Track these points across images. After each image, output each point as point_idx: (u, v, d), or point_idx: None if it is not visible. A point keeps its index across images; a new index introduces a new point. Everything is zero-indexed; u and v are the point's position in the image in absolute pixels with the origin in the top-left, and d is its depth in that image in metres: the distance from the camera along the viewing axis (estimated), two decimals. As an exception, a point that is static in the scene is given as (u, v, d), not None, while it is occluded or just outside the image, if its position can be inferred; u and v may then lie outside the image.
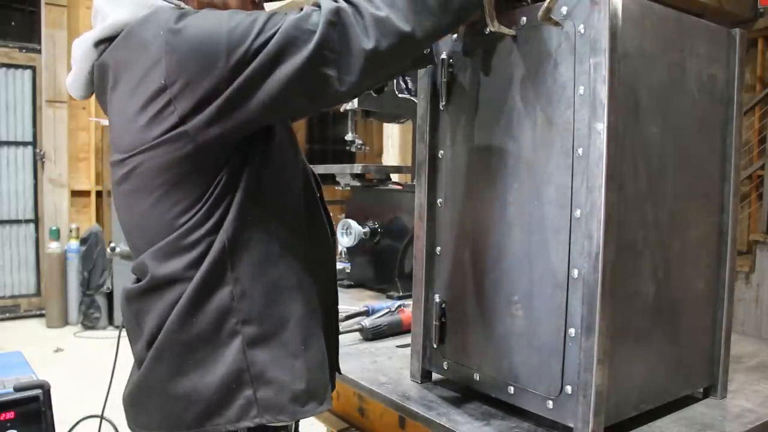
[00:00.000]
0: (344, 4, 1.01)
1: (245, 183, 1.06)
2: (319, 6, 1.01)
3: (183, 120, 0.98)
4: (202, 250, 1.04)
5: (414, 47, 1.09)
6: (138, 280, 1.11)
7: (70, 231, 5.88)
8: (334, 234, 1.32)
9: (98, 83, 1.13)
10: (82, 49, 1.11)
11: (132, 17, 1.06)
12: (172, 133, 0.99)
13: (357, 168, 2.41)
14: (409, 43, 1.04)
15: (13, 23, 6.03)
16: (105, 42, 1.09)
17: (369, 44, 0.99)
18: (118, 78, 1.06)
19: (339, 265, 2.55)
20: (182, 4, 1.10)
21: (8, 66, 5.98)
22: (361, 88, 1.11)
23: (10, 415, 1.62)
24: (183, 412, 1.04)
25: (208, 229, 1.04)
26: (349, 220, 2.32)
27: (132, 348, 1.13)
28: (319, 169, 2.54)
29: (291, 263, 1.12)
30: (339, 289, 2.39)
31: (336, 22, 0.99)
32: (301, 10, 1.02)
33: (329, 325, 1.24)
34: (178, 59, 0.97)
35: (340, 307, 2.02)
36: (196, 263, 1.04)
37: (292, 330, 1.09)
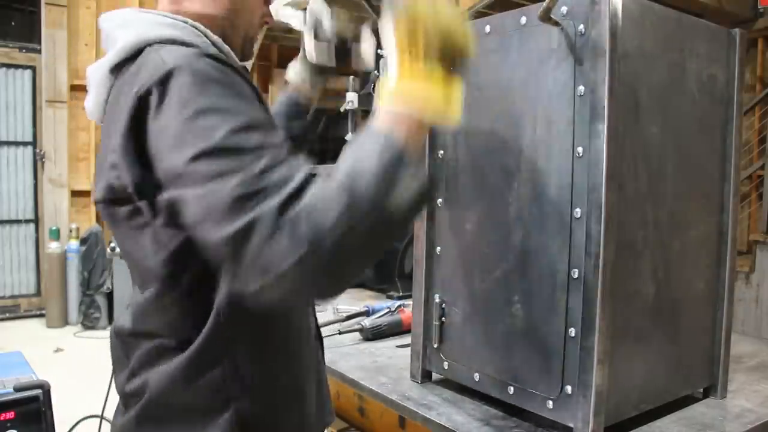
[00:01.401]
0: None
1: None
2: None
3: (131, 194, 0.93)
4: (187, 309, 0.98)
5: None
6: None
7: (70, 231, 5.87)
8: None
9: None
10: (99, 75, 1.05)
11: (140, 38, 0.99)
12: (124, 203, 0.95)
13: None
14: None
15: (13, 23, 6.03)
16: (120, 66, 1.03)
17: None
18: (109, 109, 1.03)
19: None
20: (189, 23, 1.03)
21: (8, 66, 5.98)
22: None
23: (10, 415, 1.62)
24: None
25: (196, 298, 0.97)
26: (349, 220, 2.31)
27: (115, 377, 1.09)
28: (319, 169, 2.53)
29: (281, 344, 1.06)
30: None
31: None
32: None
33: (320, 378, 1.18)
34: (122, 143, 0.91)
35: (340, 307, 2.03)
36: (185, 324, 0.99)
37: (282, 407, 1.06)
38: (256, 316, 0.97)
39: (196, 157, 0.83)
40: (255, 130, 0.86)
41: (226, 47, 1.07)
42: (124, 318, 1.07)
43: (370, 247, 0.86)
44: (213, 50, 0.99)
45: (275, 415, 1.05)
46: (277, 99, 1.45)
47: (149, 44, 0.98)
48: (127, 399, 1.05)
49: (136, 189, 0.92)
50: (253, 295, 0.81)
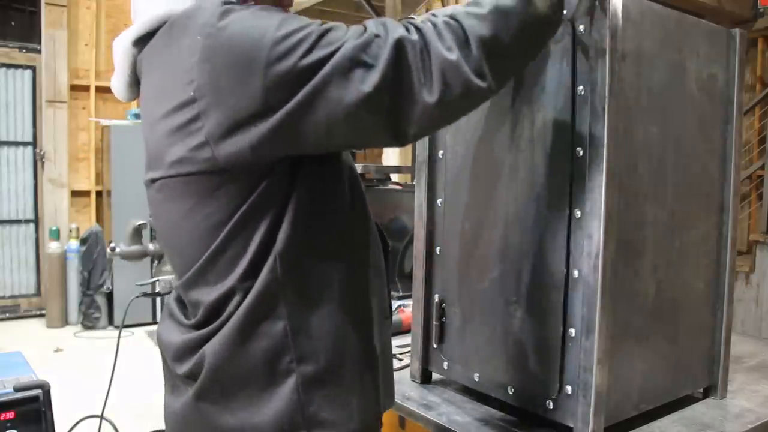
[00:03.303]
0: (412, 36, 0.86)
1: (298, 191, 0.93)
2: (383, 29, 0.86)
3: (209, 141, 0.88)
4: (244, 271, 0.93)
5: (485, 98, 0.96)
6: (181, 303, 1.05)
7: (70, 231, 5.87)
8: (387, 258, 1.15)
9: (138, 80, 1.06)
10: (122, 47, 1.03)
11: (169, 11, 0.96)
12: (198, 152, 0.89)
13: (357, 168, 2.41)
14: (480, 95, 0.91)
15: (13, 23, 6.03)
16: (144, 39, 1.00)
17: (431, 97, 0.86)
18: (151, 76, 0.99)
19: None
20: None
21: (8, 66, 5.98)
22: (418, 138, 1.00)
23: (10, 415, 1.62)
24: None
25: (253, 247, 0.93)
26: (349, 220, 2.31)
27: (168, 364, 1.06)
28: None
29: (348, 290, 1.00)
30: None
31: (398, 60, 0.84)
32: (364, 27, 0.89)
33: (384, 353, 1.10)
34: (211, 71, 0.86)
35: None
36: (239, 287, 0.93)
37: (349, 366, 0.98)
38: (316, 264, 0.95)
39: (310, 49, 0.84)
40: (336, 28, 0.88)
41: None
42: (171, 301, 1.06)
43: (523, 45, 0.94)
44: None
45: (345, 385, 0.98)
46: None
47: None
48: (183, 381, 1.01)
49: (244, 119, 0.86)
50: (431, 107, 0.86)
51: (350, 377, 0.99)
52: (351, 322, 0.99)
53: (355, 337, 1.00)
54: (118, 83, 1.07)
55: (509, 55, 0.93)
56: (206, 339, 0.96)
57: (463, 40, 0.87)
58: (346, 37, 0.86)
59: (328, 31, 0.86)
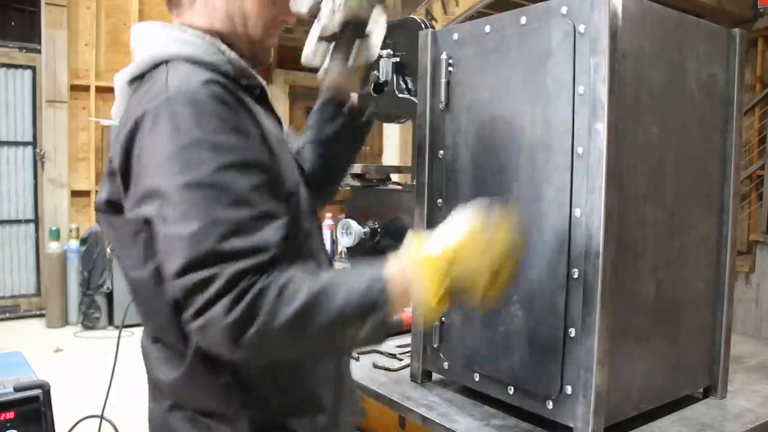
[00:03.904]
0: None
1: None
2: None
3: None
4: (173, 318, 0.96)
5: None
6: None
7: (70, 231, 5.87)
8: None
9: None
10: (119, 84, 1.07)
11: (156, 54, 1.01)
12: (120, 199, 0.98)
13: (357, 168, 2.41)
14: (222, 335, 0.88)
15: (13, 23, 6.03)
16: (137, 79, 1.04)
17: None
18: (120, 122, 1.04)
19: (339, 266, 2.55)
20: (207, 39, 1.03)
21: (8, 66, 5.97)
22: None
23: (10, 415, 1.62)
24: None
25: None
26: (349, 220, 2.32)
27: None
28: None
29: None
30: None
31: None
32: None
33: (340, 382, 1.13)
34: (120, 160, 0.95)
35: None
36: (177, 332, 0.96)
37: (295, 407, 1.03)
38: None
39: (180, 186, 0.87)
40: (244, 171, 0.90)
41: (242, 63, 1.07)
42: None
43: (306, 351, 0.95)
44: (227, 68, 1.02)
45: (290, 424, 1.03)
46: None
47: (165, 61, 1.00)
48: (159, 390, 1.06)
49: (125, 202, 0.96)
50: (191, 329, 0.87)
51: (299, 426, 1.03)
52: (292, 379, 1.03)
53: (298, 391, 1.04)
54: (116, 114, 1.10)
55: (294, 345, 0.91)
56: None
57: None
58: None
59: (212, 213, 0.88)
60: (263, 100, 1.11)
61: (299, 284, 0.87)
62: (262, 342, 0.85)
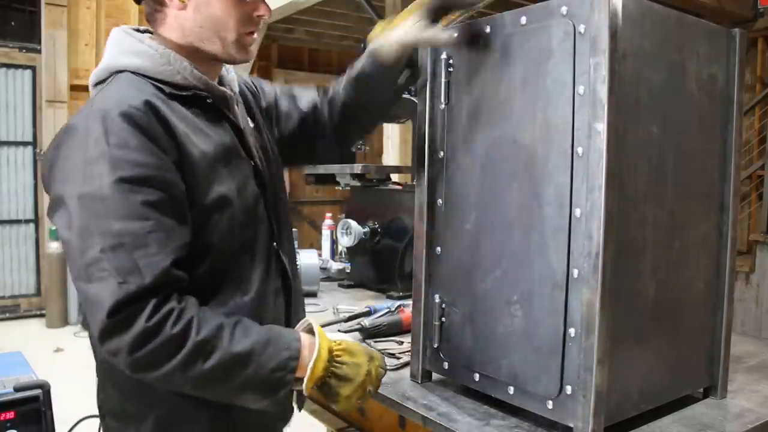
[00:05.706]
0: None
1: None
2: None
3: None
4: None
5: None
6: None
7: (70, 231, 5.87)
8: None
9: None
10: (90, 88, 1.17)
11: (109, 65, 1.12)
12: None
13: (357, 168, 2.41)
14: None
15: (13, 23, 6.03)
16: (100, 83, 1.14)
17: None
18: None
19: (339, 265, 2.55)
20: (159, 52, 1.11)
21: (8, 66, 5.98)
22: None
23: (10, 415, 1.62)
24: None
25: None
26: (349, 220, 2.32)
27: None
28: (319, 169, 2.54)
29: None
30: (340, 289, 2.38)
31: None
32: None
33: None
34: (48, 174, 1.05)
35: (341, 307, 2.03)
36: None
37: (196, 407, 1.11)
38: None
39: (77, 196, 0.98)
40: (142, 186, 0.98)
41: (197, 73, 1.13)
42: None
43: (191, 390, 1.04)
44: (176, 79, 1.10)
45: (197, 425, 1.12)
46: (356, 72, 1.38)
47: (118, 71, 1.11)
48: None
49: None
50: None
51: (207, 426, 1.14)
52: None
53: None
54: None
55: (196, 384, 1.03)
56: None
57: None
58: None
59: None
60: (217, 110, 1.17)
61: (215, 343, 0.98)
62: (162, 381, 1.00)
